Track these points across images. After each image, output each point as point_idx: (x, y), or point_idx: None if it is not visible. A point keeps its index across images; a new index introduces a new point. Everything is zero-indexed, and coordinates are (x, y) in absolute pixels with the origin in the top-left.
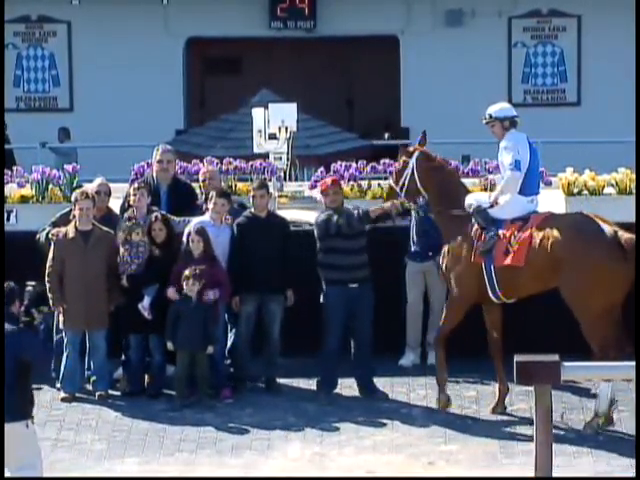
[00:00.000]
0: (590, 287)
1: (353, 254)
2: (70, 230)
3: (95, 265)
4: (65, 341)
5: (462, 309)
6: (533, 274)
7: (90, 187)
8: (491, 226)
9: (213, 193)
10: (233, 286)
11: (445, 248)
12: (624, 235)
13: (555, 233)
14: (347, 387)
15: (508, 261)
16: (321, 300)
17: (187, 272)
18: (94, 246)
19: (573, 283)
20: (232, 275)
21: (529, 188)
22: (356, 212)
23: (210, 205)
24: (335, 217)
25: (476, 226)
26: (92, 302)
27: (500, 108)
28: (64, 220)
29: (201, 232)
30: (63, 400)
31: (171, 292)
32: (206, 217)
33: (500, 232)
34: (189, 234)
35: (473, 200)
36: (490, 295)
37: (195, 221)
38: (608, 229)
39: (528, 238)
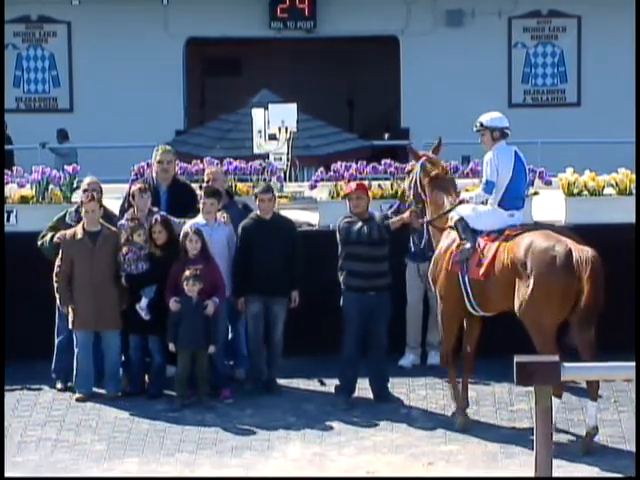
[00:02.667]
0: (539, 304)
1: (373, 262)
2: (78, 231)
3: (103, 265)
4: (75, 342)
5: (453, 323)
6: (499, 289)
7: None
8: (469, 237)
9: (202, 193)
10: (238, 288)
11: (433, 259)
12: (577, 252)
13: (513, 249)
14: None
15: (477, 274)
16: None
17: (187, 272)
18: (102, 246)
19: (524, 299)
20: (236, 276)
21: (510, 203)
22: (376, 226)
23: (200, 205)
24: (357, 225)
25: (457, 237)
26: (102, 302)
27: (491, 118)
28: (61, 224)
29: (198, 233)
30: (78, 400)
31: (172, 303)
32: (199, 218)
33: (477, 243)
34: (185, 235)
35: (455, 212)
36: (469, 307)
37: (189, 223)
38: (561, 246)
39: (494, 252)
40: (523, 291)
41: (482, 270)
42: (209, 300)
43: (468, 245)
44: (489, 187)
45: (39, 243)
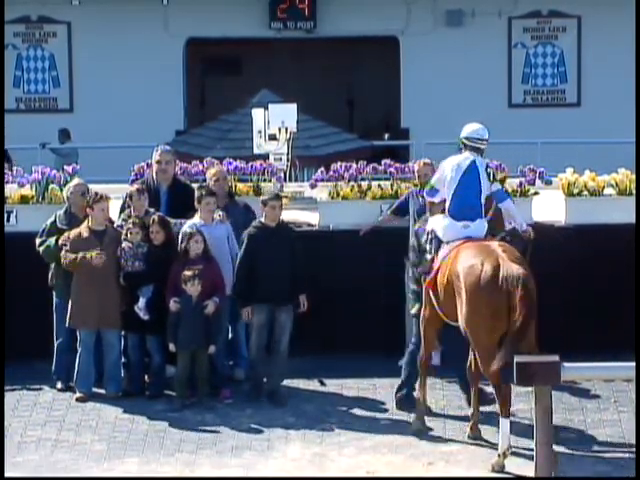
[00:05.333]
0: (473, 321)
1: None
2: (83, 230)
3: (108, 264)
4: (78, 341)
5: (429, 327)
6: (448, 301)
7: (66, 188)
8: (433, 248)
9: (201, 193)
10: (244, 297)
11: None
12: (505, 270)
13: (453, 263)
14: (347, 387)
15: (430, 284)
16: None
17: (188, 272)
18: (108, 246)
19: (461, 315)
20: (241, 285)
21: (461, 214)
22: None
23: (199, 205)
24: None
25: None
26: (104, 301)
27: (464, 130)
28: (54, 228)
29: (199, 233)
30: (78, 400)
31: (172, 304)
32: (196, 218)
33: (439, 255)
34: (189, 236)
35: (429, 224)
36: (442, 316)
37: (188, 223)
38: (489, 263)
39: (439, 266)
40: (459, 307)
41: (431, 281)
42: (209, 300)
43: (428, 257)
44: (430, 193)
45: (42, 248)
